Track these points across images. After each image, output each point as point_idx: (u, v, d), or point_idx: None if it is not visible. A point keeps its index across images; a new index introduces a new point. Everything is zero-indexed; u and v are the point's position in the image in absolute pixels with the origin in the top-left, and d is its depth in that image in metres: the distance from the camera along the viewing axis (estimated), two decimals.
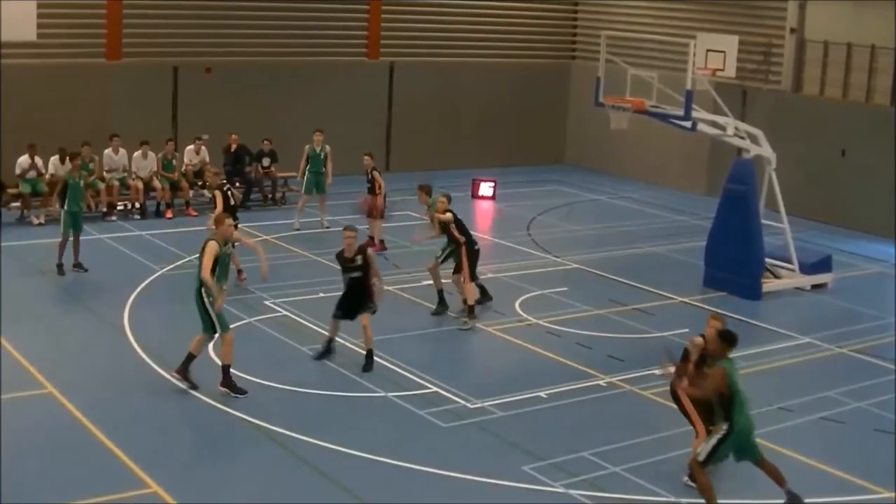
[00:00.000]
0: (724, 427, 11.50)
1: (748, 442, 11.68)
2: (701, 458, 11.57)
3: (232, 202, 19.48)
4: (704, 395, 11.61)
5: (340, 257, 15.79)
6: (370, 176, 22.19)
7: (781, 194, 21.24)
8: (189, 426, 13.71)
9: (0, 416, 13.29)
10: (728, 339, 11.63)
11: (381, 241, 22.05)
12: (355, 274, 15.62)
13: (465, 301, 17.84)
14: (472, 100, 32.56)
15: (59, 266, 19.69)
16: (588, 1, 34.09)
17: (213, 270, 14.34)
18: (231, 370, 14.47)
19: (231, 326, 17.00)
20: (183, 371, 14.63)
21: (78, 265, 19.94)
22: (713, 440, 11.55)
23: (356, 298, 15.68)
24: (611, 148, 31.78)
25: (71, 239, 19.83)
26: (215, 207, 18.83)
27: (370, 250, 15.85)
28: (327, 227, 23.81)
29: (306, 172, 24.08)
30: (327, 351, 15.97)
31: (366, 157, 22.46)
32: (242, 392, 14.36)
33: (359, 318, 15.61)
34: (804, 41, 28.45)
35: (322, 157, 24.13)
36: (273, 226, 23.78)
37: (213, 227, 15.15)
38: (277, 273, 20.12)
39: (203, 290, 14.36)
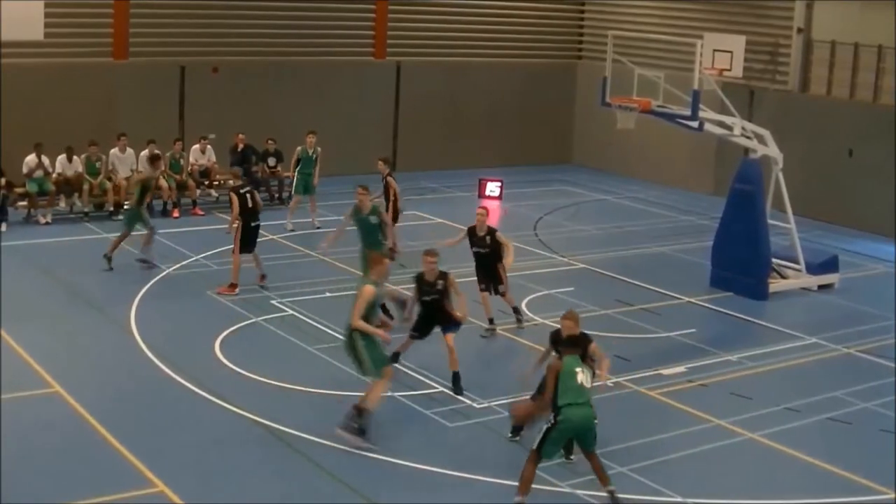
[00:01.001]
0: (552, 418, 11.60)
1: (581, 431, 11.72)
2: (535, 445, 11.66)
3: (250, 205, 19.17)
4: (548, 401, 11.75)
5: (420, 280, 15.05)
6: (385, 182, 21.50)
7: (788, 194, 21.22)
8: (195, 425, 13.71)
9: (0, 414, 13.32)
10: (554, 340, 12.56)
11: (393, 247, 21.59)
12: (433, 297, 15.00)
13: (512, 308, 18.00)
14: (479, 99, 32.57)
15: (109, 258, 20.12)
16: (595, 1, 34.08)
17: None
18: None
19: (236, 326, 17.12)
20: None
21: (145, 261, 20.46)
22: (543, 430, 11.66)
23: (433, 320, 15.19)
24: (617, 148, 31.76)
25: (144, 233, 20.45)
26: (231, 209, 19.03)
27: (451, 275, 15.09)
28: (318, 228, 23.71)
29: (296, 174, 24.15)
30: (395, 358, 15.39)
31: (379, 162, 21.70)
32: (362, 437, 13.10)
33: (444, 339, 15.22)
34: (811, 41, 28.43)
35: (314, 158, 24.20)
36: (279, 225, 23.73)
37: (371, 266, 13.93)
38: (284, 273, 20.21)
39: (358, 334, 13.27)
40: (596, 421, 11.78)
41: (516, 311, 18.04)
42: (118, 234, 20.58)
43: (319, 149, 24.35)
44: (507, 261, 17.52)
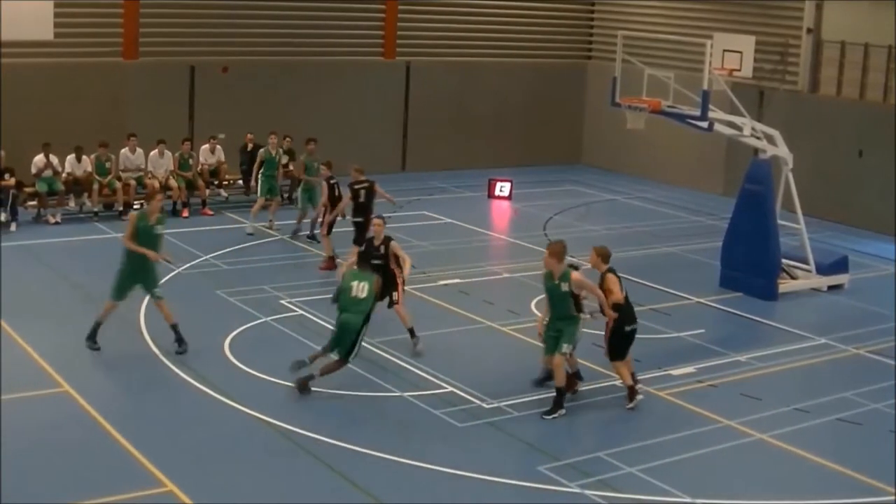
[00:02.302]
0: None
1: (339, 332, 14.56)
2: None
3: (336, 193, 20.80)
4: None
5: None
6: (326, 185, 20.91)
7: (798, 195, 21.17)
8: (204, 425, 13.71)
9: (1, 414, 13.33)
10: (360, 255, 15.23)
11: (332, 258, 20.65)
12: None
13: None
14: (489, 100, 32.56)
15: (313, 236, 22.58)
16: (604, 1, 34.06)
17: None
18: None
19: (245, 326, 17.10)
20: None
21: (298, 232, 23.07)
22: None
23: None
24: (627, 148, 31.74)
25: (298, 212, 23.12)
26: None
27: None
28: (277, 230, 23.50)
29: (260, 175, 24.01)
30: (544, 379, 15.14)
31: (322, 167, 21.30)
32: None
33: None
34: (821, 41, 28.37)
35: (276, 159, 24.18)
36: (289, 225, 23.70)
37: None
38: (293, 273, 20.22)
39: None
40: (362, 335, 14.46)
41: (411, 332, 16.57)
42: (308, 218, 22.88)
43: (282, 150, 24.45)
44: (405, 271, 16.76)
